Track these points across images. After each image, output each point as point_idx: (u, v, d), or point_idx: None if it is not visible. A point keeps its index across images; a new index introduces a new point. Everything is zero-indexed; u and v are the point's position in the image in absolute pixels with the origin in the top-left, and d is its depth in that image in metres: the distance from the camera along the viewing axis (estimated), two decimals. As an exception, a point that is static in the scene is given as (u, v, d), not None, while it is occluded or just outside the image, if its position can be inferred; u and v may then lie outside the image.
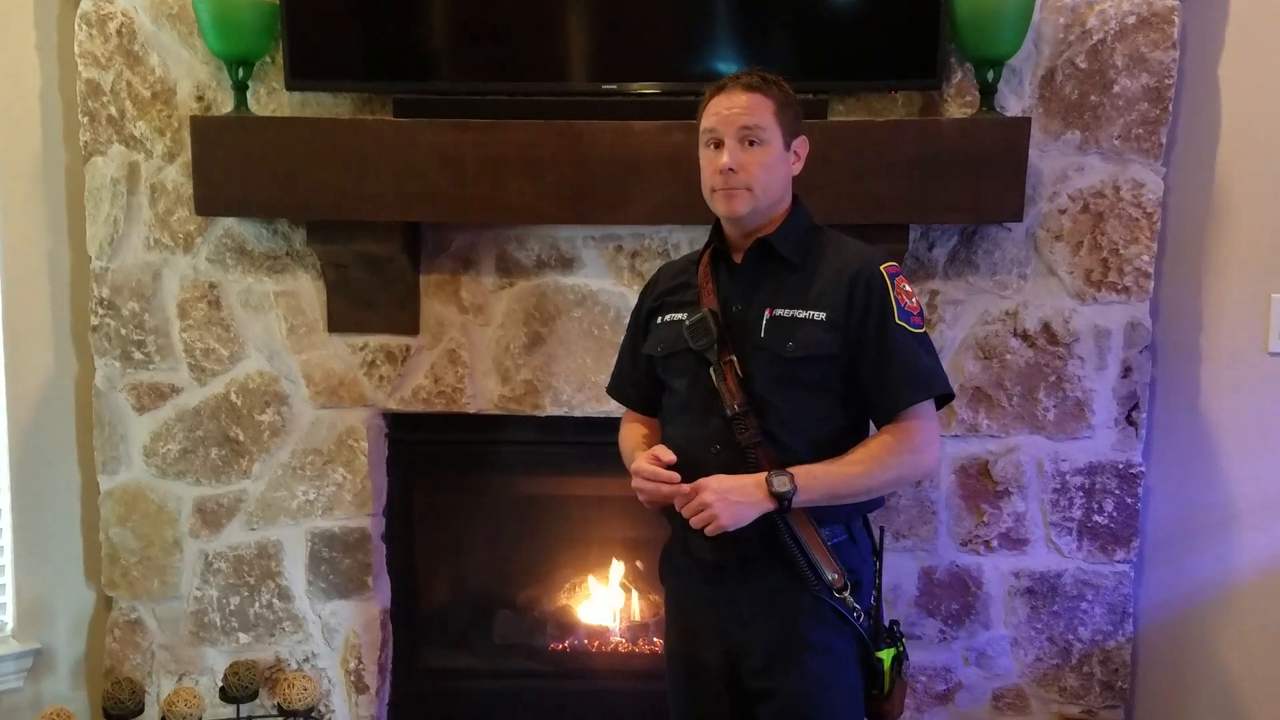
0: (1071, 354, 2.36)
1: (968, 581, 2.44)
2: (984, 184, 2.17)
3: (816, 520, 1.60)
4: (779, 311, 1.62)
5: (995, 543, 2.42)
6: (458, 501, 2.73)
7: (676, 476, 1.58)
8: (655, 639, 2.66)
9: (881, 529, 1.72)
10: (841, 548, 1.63)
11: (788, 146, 1.64)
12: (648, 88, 2.29)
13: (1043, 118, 2.29)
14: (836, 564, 1.60)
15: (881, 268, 1.62)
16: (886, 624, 1.68)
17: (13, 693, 2.44)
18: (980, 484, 2.40)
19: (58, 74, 2.43)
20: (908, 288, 1.64)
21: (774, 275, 1.65)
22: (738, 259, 1.68)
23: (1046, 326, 2.36)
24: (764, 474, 1.55)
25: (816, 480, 1.56)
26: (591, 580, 2.73)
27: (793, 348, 1.59)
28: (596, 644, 2.68)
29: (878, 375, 1.60)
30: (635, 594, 2.72)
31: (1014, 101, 2.30)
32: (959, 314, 2.36)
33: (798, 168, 1.68)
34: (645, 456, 1.62)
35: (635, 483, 1.63)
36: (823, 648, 1.62)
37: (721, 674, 1.67)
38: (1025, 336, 2.36)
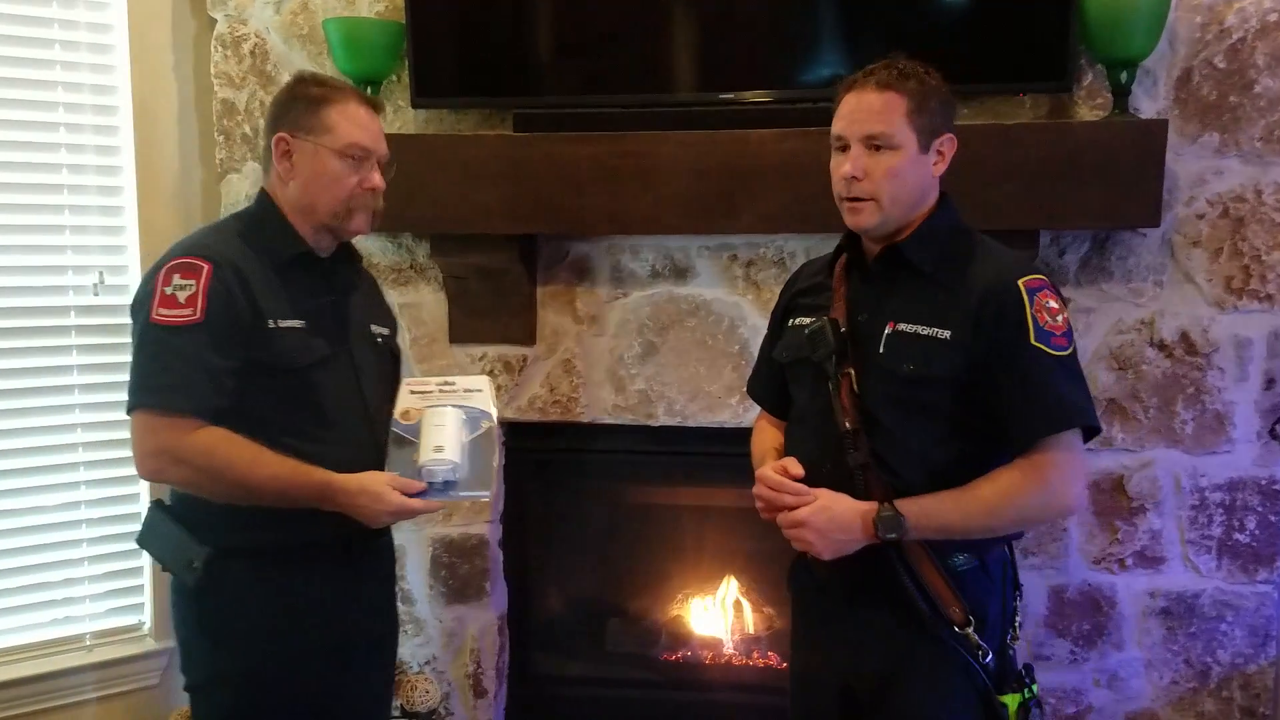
0: (1210, 365, 2.26)
1: (1100, 601, 2.35)
2: (1118, 188, 2.10)
3: (942, 547, 1.49)
4: (902, 326, 1.51)
5: (1129, 561, 2.33)
6: (570, 509, 2.75)
7: (803, 490, 1.50)
8: (769, 652, 2.64)
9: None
10: (969, 577, 1.52)
11: (926, 148, 1.51)
12: (762, 96, 2.28)
13: (1179, 120, 2.20)
14: (958, 597, 1.49)
15: (1020, 281, 1.48)
16: (1020, 666, 1.55)
17: (150, 690, 2.54)
18: (1114, 500, 2.32)
19: (194, 94, 2.53)
20: (1053, 304, 1.48)
21: (904, 284, 1.54)
22: (871, 262, 1.59)
23: (1184, 336, 2.27)
24: (873, 508, 1.46)
25: (929, 517, 1.45)
26: (703, 591, 2.71)
27: (910, 369, 1.49)
28: (709, 655, 2.67)
29: (1007, 403, 1.47)
30: (748, 606, 2.70)
31: (1148, 104, 2.22)
32: (1091, 323, 2.28)
33: (940, 168, 1.54)
34: (774, 466, 1.54)
35: (756, 489, 1.55)
36: (933, 683, 1.52)
37: (834, 693, 1.61)
38: (1162, 346, 2.27)
